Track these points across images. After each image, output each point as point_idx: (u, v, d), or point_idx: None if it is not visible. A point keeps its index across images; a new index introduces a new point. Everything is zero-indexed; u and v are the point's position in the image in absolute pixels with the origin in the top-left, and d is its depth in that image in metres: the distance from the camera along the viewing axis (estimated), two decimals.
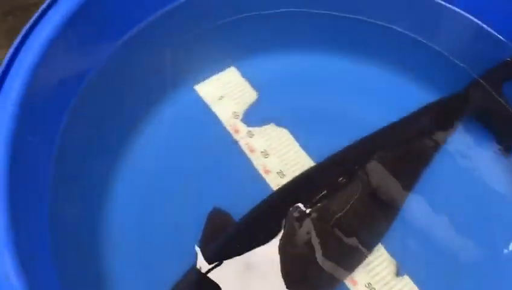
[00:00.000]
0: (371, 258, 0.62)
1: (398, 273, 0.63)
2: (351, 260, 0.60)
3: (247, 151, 0.69)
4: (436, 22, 0.75)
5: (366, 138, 0.66)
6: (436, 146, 0.68)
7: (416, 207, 0.66)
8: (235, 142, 0.70)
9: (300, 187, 0.63)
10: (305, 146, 0.70)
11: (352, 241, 0.59)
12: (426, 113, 0.69)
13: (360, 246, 0.60)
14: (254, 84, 0.74)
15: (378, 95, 0.74)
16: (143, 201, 0.64)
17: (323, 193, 0.59)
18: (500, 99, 0.70)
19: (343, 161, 0.63)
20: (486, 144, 0.70)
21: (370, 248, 0.62)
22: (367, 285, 0.62)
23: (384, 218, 0.63)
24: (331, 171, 0.62)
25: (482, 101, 0.70)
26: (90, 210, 0.62)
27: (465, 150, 0.69)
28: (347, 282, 0.61)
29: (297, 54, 0.76)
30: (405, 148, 0.66)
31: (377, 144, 0.65)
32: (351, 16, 0.74)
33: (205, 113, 0.72)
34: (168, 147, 0.69)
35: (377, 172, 0.61)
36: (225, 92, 0.74)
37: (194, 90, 0.73)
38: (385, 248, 0.64)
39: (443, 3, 0.72)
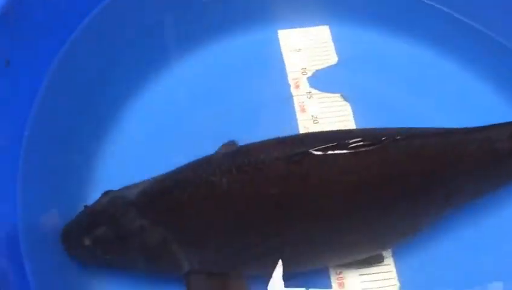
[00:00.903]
0: (373, 265, 0.53)
1: None
2: (338, 245, 0.50)
3: (297, 109, 0.63)
4: None
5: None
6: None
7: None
8: (290, 97, 0.64)
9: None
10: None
11: (350, 222, 0.48)
12: None
13: (358, 235, 0.49)
14: (339, 49, 0.67)
15: (454, 95, 0.64)
16: None
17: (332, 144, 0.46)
18: None
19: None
20: None
21: (373, 246, 0.52)
22: None
23: (406, 216, 0.50)
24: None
25: None
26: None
27: None
28: (332, 279, 0.53)
29: (396, 35, 0.67)
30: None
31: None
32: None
33: (275, 59, 0.67)
34: (222, 78, 0.66)
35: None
36: (306, 45, 0.68)
37: (276, 34, 0.69)
38: (395, 262, 0.54)
39: None
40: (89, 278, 0.53)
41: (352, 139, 0.46)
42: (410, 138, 0.48)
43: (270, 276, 0.50)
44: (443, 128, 0.51)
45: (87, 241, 0.48)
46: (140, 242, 0.48)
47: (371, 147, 0.46)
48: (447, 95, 0.64)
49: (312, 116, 0.63)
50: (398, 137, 0.47)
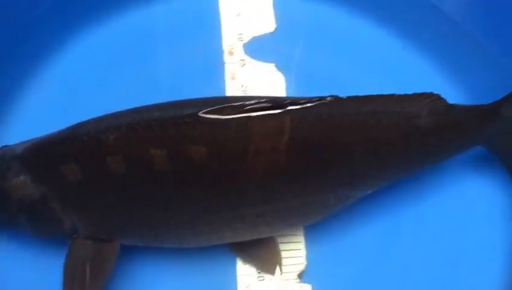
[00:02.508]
0: (280, 240, 0.52)
1: (302, 277, 0.52)
2: (238, 223, 0.47)
3: (227, 77, 0.61)
4: None
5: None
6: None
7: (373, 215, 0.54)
8: (221, 64, 0.62)
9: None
10: None
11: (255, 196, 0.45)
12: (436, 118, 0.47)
13: (262, 209, 0.46)
14: (280, 17, 0.64)
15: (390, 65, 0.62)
16: None
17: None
18: None
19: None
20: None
21: (282, 224, 0.49)
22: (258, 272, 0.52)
23: (310, 193, 0.46)
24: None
25: None
26: None
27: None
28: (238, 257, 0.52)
29: (337, 6, 0.64)
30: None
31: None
32: None
33: (212, 23, 0.64)
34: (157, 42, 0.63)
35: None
36: (246, 11, 0.65)
37: None
38: (305, 238, 0.53)
39: None
40: None
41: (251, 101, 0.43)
42: (318, 106, 0.44)
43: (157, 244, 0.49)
44: (360, 96, 0.47)
45: None
46: (21, 199, 0.46)
47: (270, 112, 0.43)
48: (383, 66, 0.61)
49: (242, 85, 0.60)
50: (304, 102, 0.44)
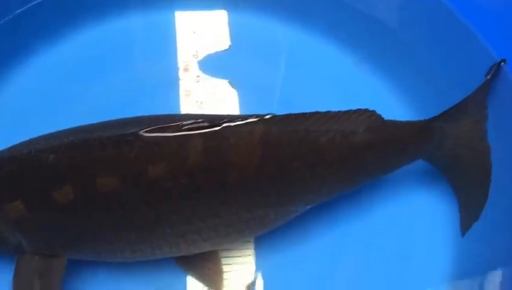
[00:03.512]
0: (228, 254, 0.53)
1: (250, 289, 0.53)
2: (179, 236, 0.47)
3: (182, 94, 0.62)
4: None
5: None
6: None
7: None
8: (176, 80, 0.63)
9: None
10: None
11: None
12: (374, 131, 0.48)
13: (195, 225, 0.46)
14: (234, 35, 0.66)
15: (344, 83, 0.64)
16: None
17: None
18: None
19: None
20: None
21: (220, 239, 0.49)
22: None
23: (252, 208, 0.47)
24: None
25: (460, 143, 0.52)
26: None
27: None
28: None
29: (291, 24, 0.66)
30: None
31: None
32: None
33: (169, 41, 0.65)
34: (114, 57, 0.64)
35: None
36: (201, 29, 0.67)
37: (174, 15, 0.67)
38: (254, 250, 0.54)
39: None
40: None
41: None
42: (255, 123, 0.45)
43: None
44: (298, 114, 0.47)
45: None
46: None
47: (201, 131, 0.44)
48: (335, 82, 0.63)
49: (197, 101, 0.62)
50: (241, 120, 0.45)
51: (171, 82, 0.63)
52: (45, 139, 0.48)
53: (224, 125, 0.44)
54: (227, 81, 0.63)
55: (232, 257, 0.54)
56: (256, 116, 0.46)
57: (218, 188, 0.45)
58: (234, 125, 0.45)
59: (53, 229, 0.47)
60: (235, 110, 0.62)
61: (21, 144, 0.48)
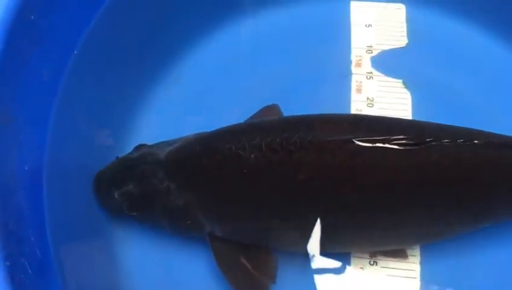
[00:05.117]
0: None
1: None
2: (367, 235, 0.49)
3: (353, 89, 0.61)
4: None
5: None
6: None
7: None
8: (348, 74, 0.61)
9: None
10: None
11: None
12: None
13: (386, 230, 0.48)
14: (411, 32, 0.63)
15: None
16: None
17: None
18: None
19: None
20: None
21: (399, 241, 0.51)
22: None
23: (435, 221, 0.49)
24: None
25: None
26: None
27: None
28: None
29: (474, 27, 0.62)
30: None
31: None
32: None
33: (342, 32, 0.64)
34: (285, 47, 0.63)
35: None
36: (377, 22, 0.64)
37: (348, 5, 0.65)
38: (421, 262, 0.52)
39: None
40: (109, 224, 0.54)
41: (401, 134, 0.45)
42: (455, 145, 0.45)
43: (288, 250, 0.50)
44: (494, 137, 0.47)
45: (116, 195, 0.50)
46: (165, 204, 0.49)
47: (416, 147, 0.44)
48: None
49: (368, 98, 0.60)
50: (445, 140, 0.45)
51: (342, 76, 0.61)
52: (239, 134, 0.48)
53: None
54: (400, 81, 0.60)
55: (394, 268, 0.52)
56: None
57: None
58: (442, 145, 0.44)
59: (244, 217, 0.48)
60: (406, 113, 0.59)
61: (215, 135, 0.50)
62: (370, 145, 0.45)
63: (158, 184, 0.48)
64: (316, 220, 0.47)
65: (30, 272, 0.43)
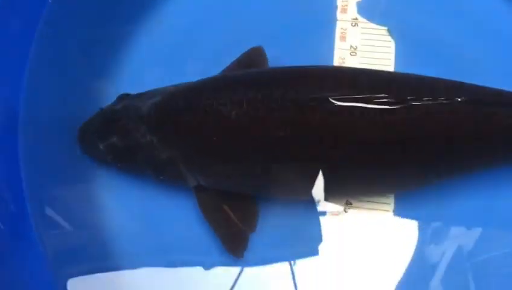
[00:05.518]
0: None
1: None
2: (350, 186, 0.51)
3: (337, 36, 0.60)
4: None
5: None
6: None
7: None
8: (333, 20, 0.60)
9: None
10: (398, 69, 0.58)
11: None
12: None
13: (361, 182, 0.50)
14: None
15: None
16: None
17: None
18: None
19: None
20: None
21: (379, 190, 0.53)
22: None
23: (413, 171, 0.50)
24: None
25: None
26: None
27: None
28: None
29: None
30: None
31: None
32: None
33: None
34: None
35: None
36: None
37: None
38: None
39: None
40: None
41: (382, 92, 0.45)
42: (435, 102, 0.46)
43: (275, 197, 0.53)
44: (475, 89, 0.48)
45: (100, 146, 0.51)
46: (148, 156, 0.50)
47: (396, 106, 0.45)
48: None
49: (351, 46, 0.59)
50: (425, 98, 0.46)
51: (326, 22, 0.60)
52: (221, 88, 0.48)
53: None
54: (385, 28, 0.60)
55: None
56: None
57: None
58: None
59: (226, 172, 0.50)
60: (389, 62, 0.59)
61: (197, 89, 0.50)
62: (350, 104, 0.45)
63: (140, 138, 0.49)
64: (295, 172, 0.48)
65: (2, 227, 0.44)
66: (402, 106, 0.45)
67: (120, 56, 0.58)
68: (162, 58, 0.59)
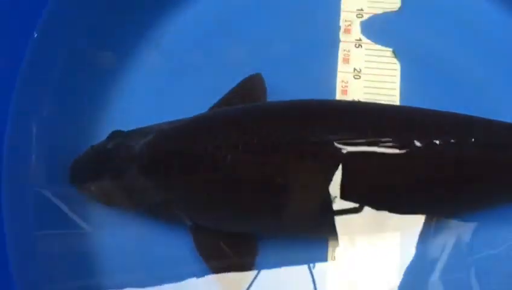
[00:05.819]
0: None
1: None
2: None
3: (340, 58, 0.58)
4: None
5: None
6: None
7: None
8: (336, 42, 0.58)
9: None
10: (404, 92, 0.56)
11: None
12: None
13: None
14: None
15: None
16: None
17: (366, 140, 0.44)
18: None
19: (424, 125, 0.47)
20: None
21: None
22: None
23: None
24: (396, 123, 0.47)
25: None
26: None
27: None
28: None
29: None
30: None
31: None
32: None
33: None
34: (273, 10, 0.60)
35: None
36: None
37: None
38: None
39: None
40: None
41: (383, 135, 0.44)
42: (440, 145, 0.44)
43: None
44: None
45: (92, 188, 0.50)
46: (142, 200, 0.49)
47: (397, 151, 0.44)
48: None
49: (355, 69, 0.57)
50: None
51: (329, 43, 0.58)
52: (216, 130, 0.47)
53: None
54: (391, 50, 0.57)
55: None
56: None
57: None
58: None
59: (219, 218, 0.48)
60: (394, 86, 0.56)
61: (190, 130, 0.48)
62: (353, 149, 0.43)
63: (133, 180, 0.48)
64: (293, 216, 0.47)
65: None
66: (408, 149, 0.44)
67: (113, 86, 0.57)
68: (158, 85, 0.58)
